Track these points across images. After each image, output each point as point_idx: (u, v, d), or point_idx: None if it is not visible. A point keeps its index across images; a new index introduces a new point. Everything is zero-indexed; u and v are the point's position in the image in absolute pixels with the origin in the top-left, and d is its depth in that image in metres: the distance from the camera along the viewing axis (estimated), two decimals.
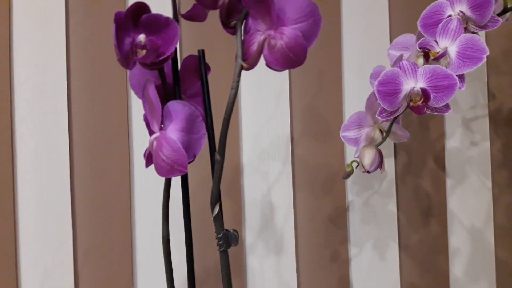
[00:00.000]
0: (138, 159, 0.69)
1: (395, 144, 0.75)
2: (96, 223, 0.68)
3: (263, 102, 0.72)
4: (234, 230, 0.39)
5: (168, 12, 0.38)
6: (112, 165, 0.68)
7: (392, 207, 0.75)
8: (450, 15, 0.56)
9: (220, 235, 0.37)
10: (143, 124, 0.68)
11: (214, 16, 0.42)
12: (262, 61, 0.40)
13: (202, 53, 0.41)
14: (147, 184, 0.69)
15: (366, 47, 0.74)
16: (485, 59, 0.51)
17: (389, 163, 0.75)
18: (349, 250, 0.74)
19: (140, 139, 0.69)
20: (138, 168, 0.69)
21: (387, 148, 0.75)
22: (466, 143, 0.76)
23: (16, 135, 0.66)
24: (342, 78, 0.74)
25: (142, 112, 0.68)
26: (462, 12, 0.55)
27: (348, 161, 0.74)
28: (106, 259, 0.68)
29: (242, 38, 0.39)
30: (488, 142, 0.76)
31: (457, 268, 0.76)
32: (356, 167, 0.59)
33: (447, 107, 0.53)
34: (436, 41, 0.55)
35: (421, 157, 0.76)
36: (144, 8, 0.36)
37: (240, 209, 0.71)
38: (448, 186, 0.76)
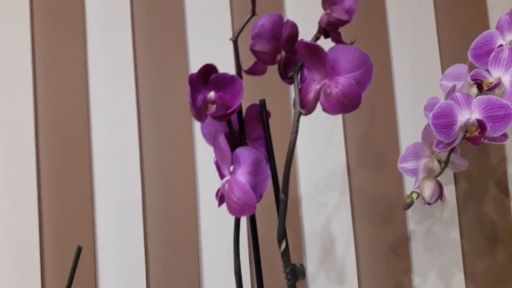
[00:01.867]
0: (203, 198, 0.74)
1: (454, 172, 0.75)
2: (167, 256, 0.73)
3: (318, 134, 0.75)
4: (301, 265, 0.41)
5: (233, 70, 0.43)
6: (181, 202, 0.74)
7: (456, 235, 0.74)
8: (501, 45, 0.56)
9: (288, 269, 0.40)
10: (207, 167, 0.74)
11: (269, 68, 0.46)
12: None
13: (263, 102, 0.45)
14: (212, 220, 0.74)
15: (417, 77, 0.75)
16: None
17: (450, 191, 0.74)
18: (413, 279, 0.74)
19: (205, 178, 0.74)
20: (204, 204, 0.74)
21: (447, 175, 0.74)
22: None
23: (94, 179, 0.74)
24: (395, 107, 0.76)
25: (206, 157, 0.74)
26: None
27: (406, 190, 0.74)
28: None
29: (299, 87, 0.43)
30: None
31: None
32: (416, 198, 0.59)
33: (505, 136, 0.53)
34: (488, 71, 0.56)
35: (483, 184, 0.75)
36: (212, 68, 0.42)
37: (300, 240, 0.74)
38: None
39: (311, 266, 0.73)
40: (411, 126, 0.75)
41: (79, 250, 0.56)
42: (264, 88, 0.73)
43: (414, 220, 0.74)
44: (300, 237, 0.74)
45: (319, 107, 0.81)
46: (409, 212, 0.74)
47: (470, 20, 0.76)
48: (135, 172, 0.74)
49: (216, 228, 0.73)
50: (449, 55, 0.75)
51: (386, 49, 0.76)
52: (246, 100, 0.78)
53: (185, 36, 0.76)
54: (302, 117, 0.75)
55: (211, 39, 0.76)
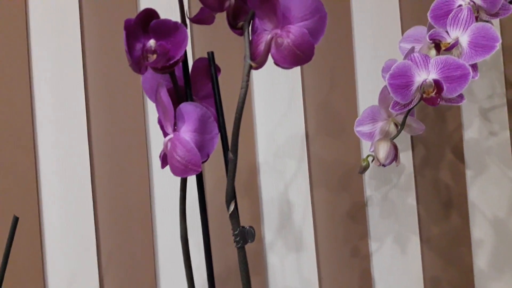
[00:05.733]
0: (156, 161, 0.71)
1: (412, 137, 0.75)
2: (118, 227, 0.70)
3: (276, 101, 0.73)
4: (251, 227, 0.39)
5: (176, 17, 0.40)
6: (131, 168, 0.70)
7: (412, 201, 0.75)
8: (460, 5, 0.55)
9: (237, 232, 0.38)
10: (160, 132, 0.70)
11: (223, 18, 0.43)
12: (272, 60, 0.40)
13: (211, 55, 0.42)
14: (165, 186, 0.71)
15: (378, 41, 0.74)
16: (498, 47, 0.51)
17: (407, 157, 0.74)
18: (370, 245, 0.74)
19: (158, 142, 0.71)
20: (156, 170, 0.71)
21: (404, 141, 0.74)
22: (484, 133, 0.75)
23: (38, 143, 0.69)
24: (355, 73, 0.74)
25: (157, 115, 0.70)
26: (472, 1, 0.54)
27: (364, 156, 0.73)
28: (129, 261, 0.70)
29: (250, 38, 0.40)
30: (507, 132, 0.75)
31: (481, 260, 0.75)
32: (372, 161, 0.59)
33: (461, 97, 0.53)
34: (447, 32, 0.54)
35: (439, 149, 0.75)
36: (153, 14, 0.38)
37: (258, 208, 0.72)
38: (468, 177, 0.75)
39: (269, 234, 0.72)
40: (370, 93, 0.74)
41: (15, 220, 0.52)
42: (218, 40, 0.69)
43: (371, 186, 0.74)
44: (258, 204, 0.72)
45: (277, 75, 0.78)
46: (366, 178, 0.74)
47: None
48: (82, 138, 0.69)
49: (169, 191, 0.70)
50: (410, 17, 0.74)
51: (347, 12, 0.74)
52: (199, 54, 0.73)
53: None
54: (260, 86, 0.73)
55: None
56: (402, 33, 0.73)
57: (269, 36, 0.38)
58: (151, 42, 0.37)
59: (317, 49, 0.39)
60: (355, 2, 0.74)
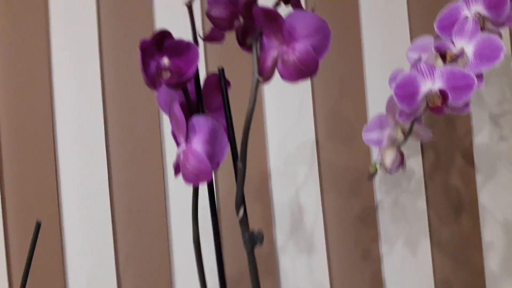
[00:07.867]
0: (171, 169, 0.73)
1: (421, 143, 0.76)
2: (135, 231, 0.73)
3: (286, 109, 0.75)
4: (260, 231, 0.42)
5: (189, 36, 0.42)
6: (148, 175, 0.73)
7: (422, 205, 0.76)
8: (466, 16, 0.56)
9: (245, 237, 0.40)
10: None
11: (234, 36, 0.45)
12: None
13: (222, 71, 0.45)
14: (180, 191, 0.73)
15: (387, 49, 0.75)
16: (502, 57, 0.52)
17: (417, 162, 0.75)
18: (380, 248, 0.75)
19: (172, 150, 0.73)
20: (171, 177, 0.73)
21: (414, 146, 0.75)
22: (494, 138, 0.76)
23: (58, 149, 0.72)
24: (364, 81, 0.75)
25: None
26: (478, 12, 0.55)
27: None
28: (145, 264, 0.73)
29: (258, 54, 0.42)
30: None
31: (492, 262, 0.75)
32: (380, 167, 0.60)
33: (466, 106, 0.54)
34: (453, 42, 0.56)
35: (449, 154, 0.76)
36: (167, 34, 0.40)
37: (270, 212, 0.74)
38: (478, 181, 0.76)
39: (281, 237, 0.74)
40: (380, 100, 0.75)
41: (38, 225, 0.55)
42: (229, 56, 0.72)
43: (381, 190, 0.75)
44: (270, 209, 0.74)
45: (288, 83, 0.80)
46: (377, 183, 0.75)
47: None
48: (100, 147, 0.72)
49: (184, 196, 0.73)
50: (418, 26, 0.75)
51: (356, 22, 0.75)
52: (212, 69, 0.76)
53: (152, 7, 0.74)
54: (271, 93, 0.75)
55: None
56: (411, 41, 0.74)
57: (275, 53, 0.41)
58: (165, 61, 0.39)
59: (326, 57, 0.41)
60: (364, 11, 0.75)
